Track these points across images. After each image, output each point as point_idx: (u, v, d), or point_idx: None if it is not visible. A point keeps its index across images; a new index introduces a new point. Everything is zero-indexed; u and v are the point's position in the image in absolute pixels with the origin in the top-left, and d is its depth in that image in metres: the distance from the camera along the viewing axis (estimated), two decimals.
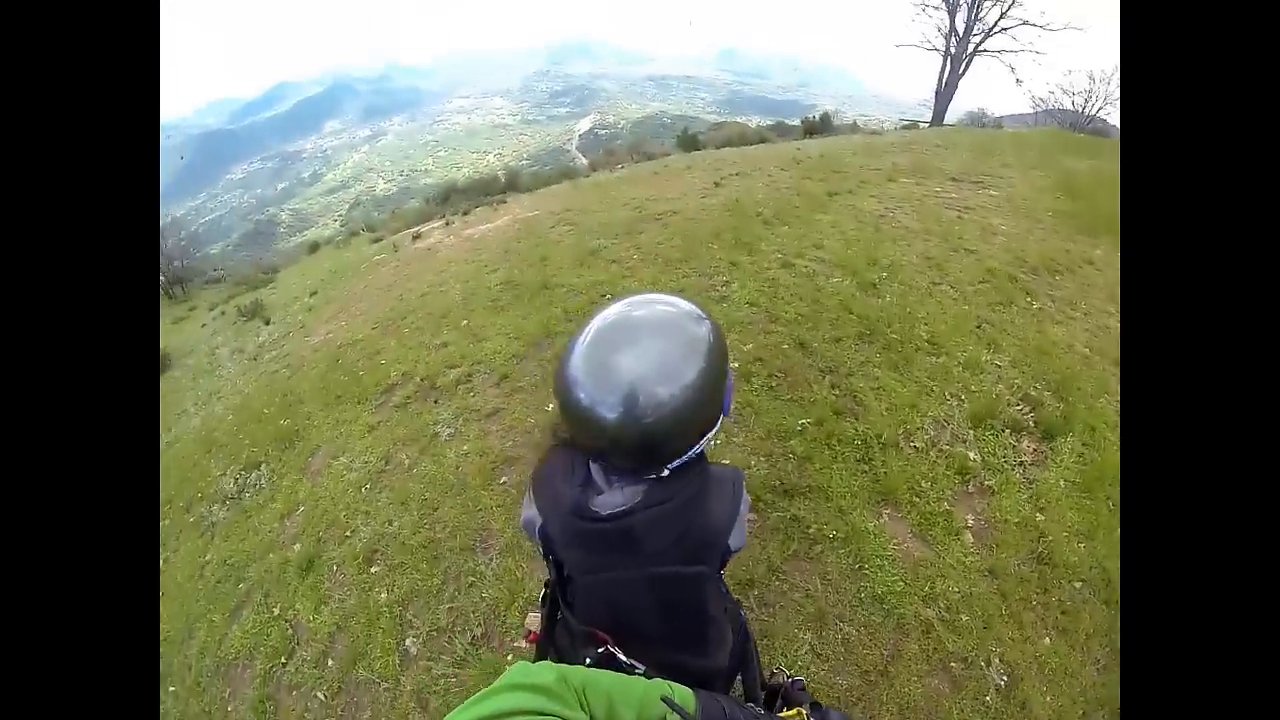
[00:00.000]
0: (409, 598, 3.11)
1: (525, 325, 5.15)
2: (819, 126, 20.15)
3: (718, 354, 0.89)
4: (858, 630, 2.59)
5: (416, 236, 12.56)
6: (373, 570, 3.35)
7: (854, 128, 22.15)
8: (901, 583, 2.72)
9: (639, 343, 0.85)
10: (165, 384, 10.07)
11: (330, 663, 3.06)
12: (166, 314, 23.38)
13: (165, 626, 3.95)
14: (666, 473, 0.93)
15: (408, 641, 2.95)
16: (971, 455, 3.36)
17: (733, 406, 1.03)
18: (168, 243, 27.81)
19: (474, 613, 2.93)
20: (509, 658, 2.72)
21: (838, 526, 2.97)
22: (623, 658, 0.94)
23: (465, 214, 13.69)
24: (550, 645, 1.18)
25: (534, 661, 1.24)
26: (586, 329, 0.89)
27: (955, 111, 27.29)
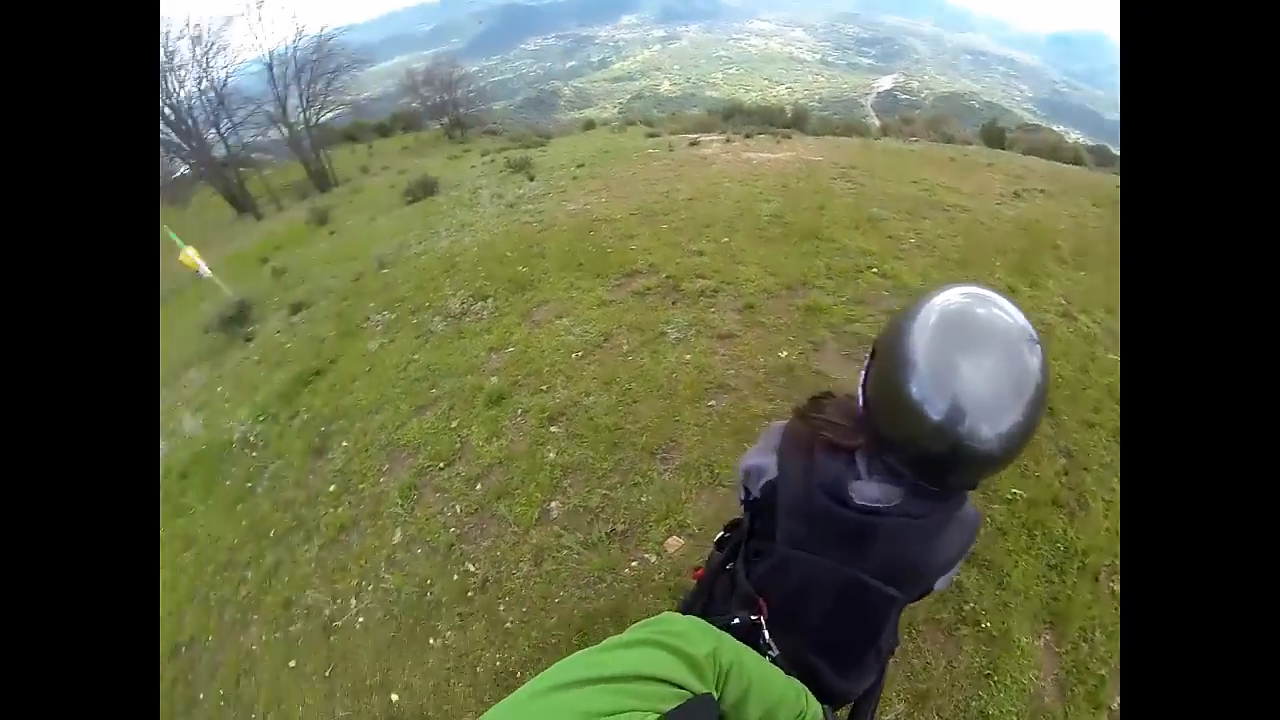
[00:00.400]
0: (574, 468, 3.54)
1: (785, 265, 5.29)
2: None
3: (1044, 397, 0.88)
4: None
5: (694, 143, 13.42)
6: (552, 429, 3.85)
7: None
8: (1014, 718, 2.54)
9: (987, 358, 0.85)
10: (428, 206, 12.09)
11: (479, 487, 3.65)
12: (443, 150, 27.99)
13: (360, 395, 4.97)
14: (933, 490, 0.96)
15: (553, 504, 3.38)
16: None
17: None
18: (458, 92, 33.77)
19: (625, 509, 3.24)
20: (633, 564, 2.99)
21: (994, 620, 2.74)
22: (765, 635, 1.03)
23: (747, 137, 14.32)
24: (711, 587, 1.31)
25: (686, 598, 1.38)
26: (928, 316, 0.90)
27: None
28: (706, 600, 1.31)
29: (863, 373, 1.02)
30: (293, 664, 3.26)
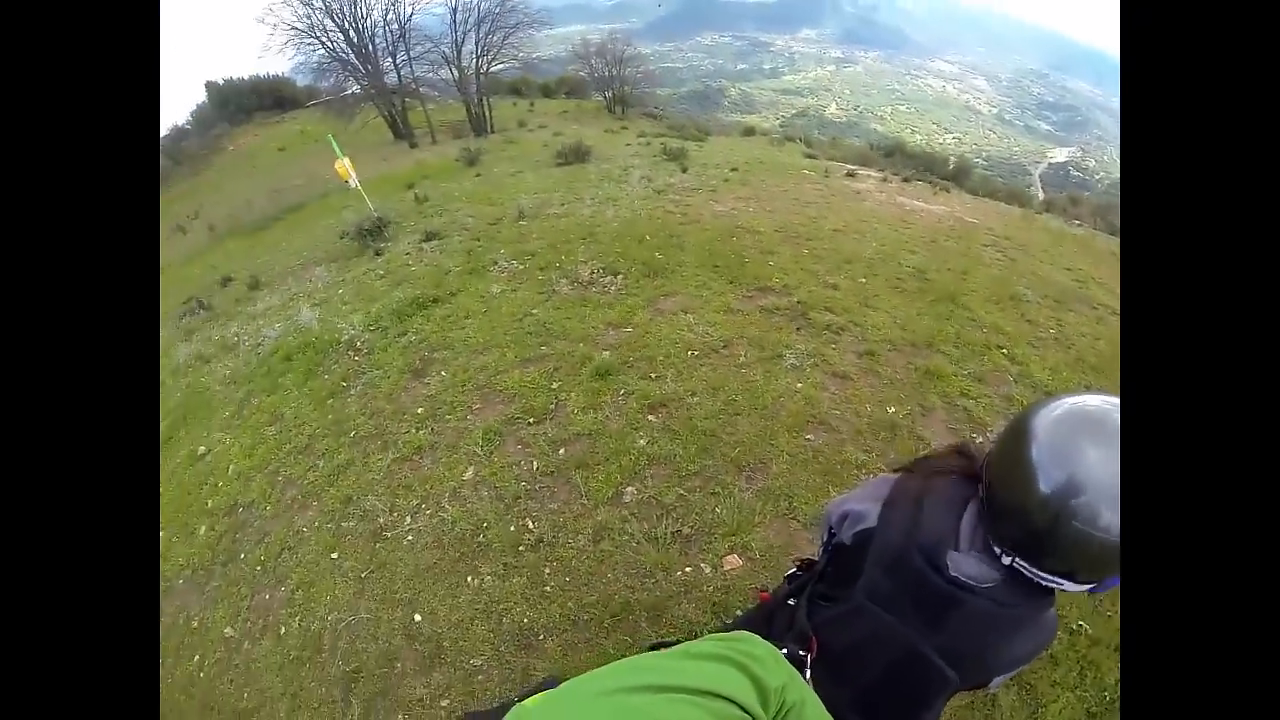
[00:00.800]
0: (660, 460, 3.55)
1: (916, 321, 5.12)
2: None
3: None
4: None
5: (850, 174, 13.27)
6: (650, 418, 3.88)
7: None
8: None
9: (1109, 450, 0.85)
10: (575, 171, 12.43)
11: (562, 451, 3.72)
12: (602, 123, 28.76)
13: (471, 329, 5.19)
14: (1030, 577, 0.95)
15: (629, 489, 3.41)
16: None
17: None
18: (626, 70, 34.63)
19: (696, 514, 3.23)
20: (687, 569, 2.97)
21: None
22: (808, 674, 1.03)
23: (905, 180, 14.05)
24: (767, 615, 1.33)
25: (743, 616, 1.39)
26: (1064, 403, 0.92)
27: None
28: (767, 627, 1.29)
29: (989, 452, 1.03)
30: (335, 555, 3.46)
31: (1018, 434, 0.92)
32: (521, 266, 6.55)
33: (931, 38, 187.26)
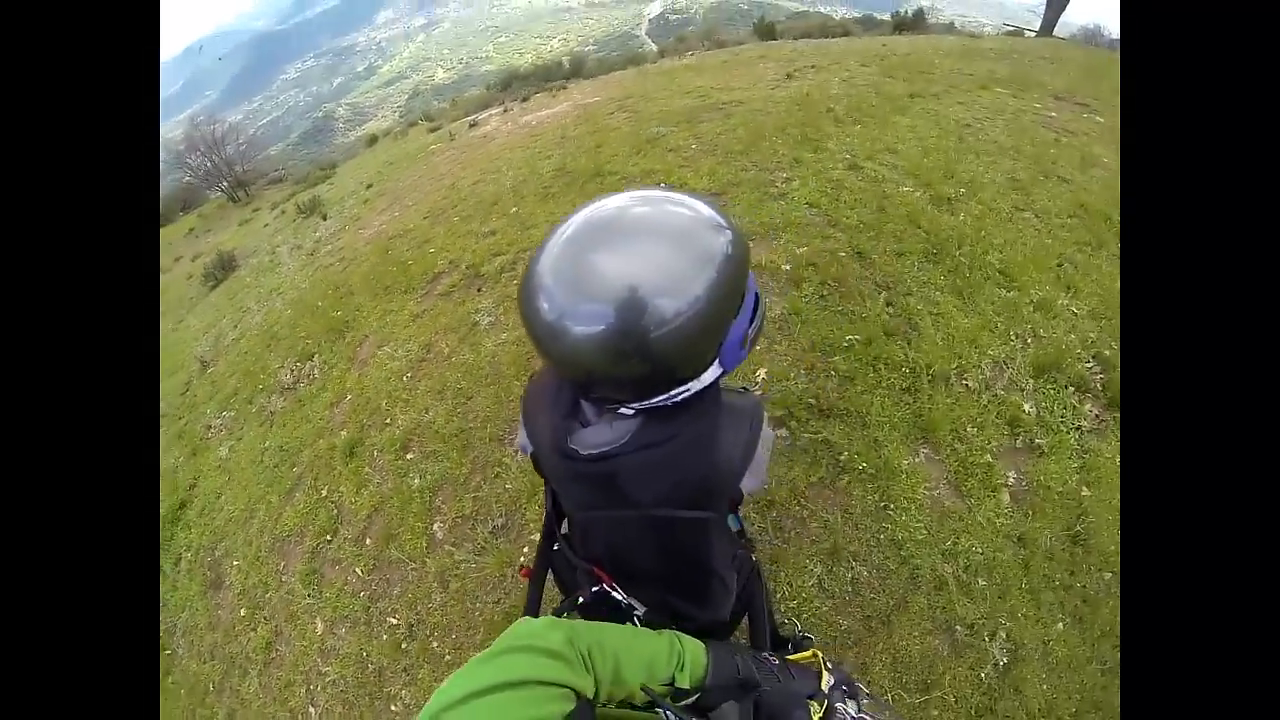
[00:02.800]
0: (439, 484, 3.57)
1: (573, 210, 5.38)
2: (910, 23, 19.99)
3: (736, 270, 0.79)
4: (869, 573, 2.68)
5: (473, 124, 13.21)
6: (408, 457, 3.83)
7: (950, 28, 21.52)
8: (925, 531, 2.77)
9: (634, 244, 0.75)
10: (232, 284, 11.31)
11: (368, 541, 3.62)
12: (232, 217, 25.89)
13: (230, 507, 4.76)
14: (662, 404, 0.87)
15: (435, 526, 3.42)
16: (1027, 407, 3.23)
17: (754, 345, 0.94)
18: (227, 149, 30.72)
19: (496, 503, 3.33)
20: (524, 550, 3.10)
21: (870, 459, 3.00)
22: (619, 596, 1.00)
23: (524, 100, 14.23)
24: (543, 578, 1.24)
25: (528, 595, 1.32)
26: (565, 223, 0.80)
27: (1067, 25, 24.85)
28: (560, 586, 1.28)
29: None
30: None
31: (522, 302, 0.80)
32: (233, 413, 5.96)
33: None
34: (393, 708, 3.01)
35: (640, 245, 0.75)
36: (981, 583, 2.65)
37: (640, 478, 0.89)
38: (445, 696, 0.59)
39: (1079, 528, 2.82)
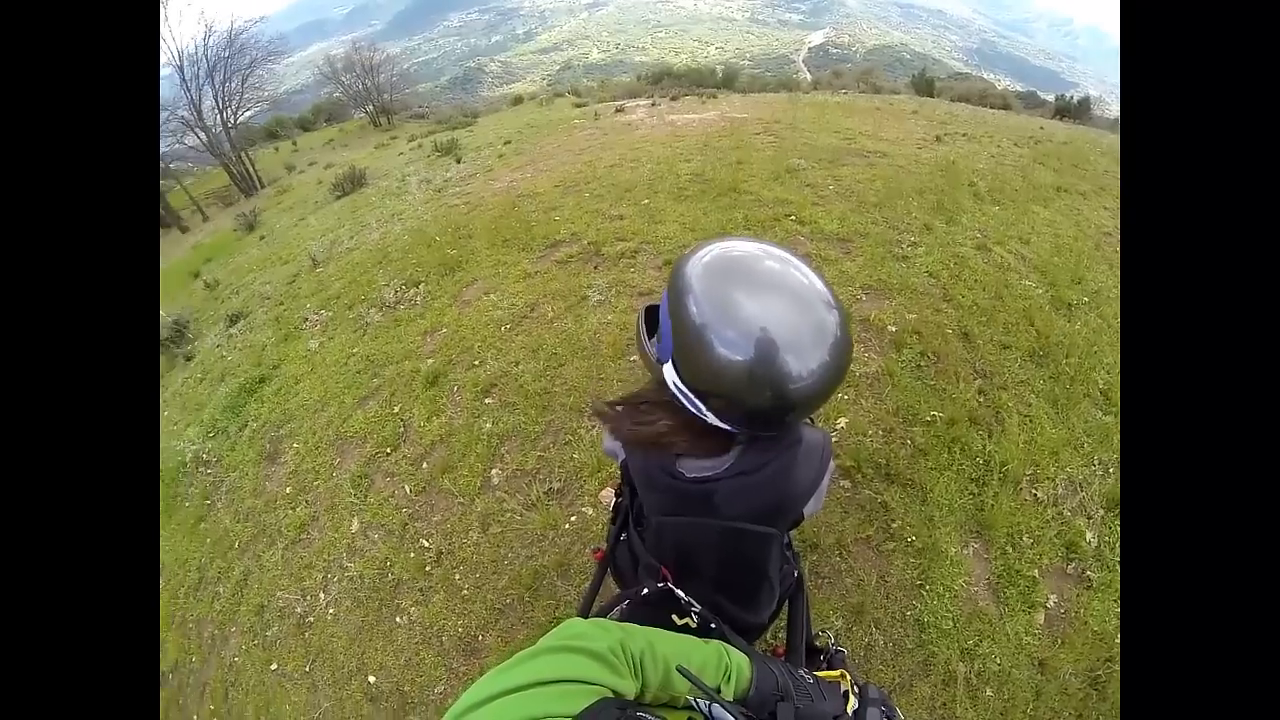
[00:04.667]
0: (509, 434, 3.74)
1: (703, 220, 5.49)
2: (1074, 110, 19.04)
3: (847, 350, 0.91)
4: (886, 643, 2.69)
5: (619, 110, 13.58)
6: (486, 401, 4.04)
7: (1114, 126, 20.29)
8: (951, 623, 2.76)
9: (780, 304, 0.86)
10: (356, 199, 11.97)
11: (425, 465, 3.84)
12: (370, 139, 27.42)
13: (305, 396, 5.10)
14: (769, 436, 1.00)
15: (493, 471, 3.59)
16: (1089, 536, 3.13)
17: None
18: (380, 76, 32.95)
19: (559, 467, 3.47)
20: (572, 519, 3.22)
21: (920, 535, 3.00)
22: (680, 595, 1.08)
23: (673, 99, 14.49)
24: (612, 563, 1.41)
25: (593, 579, 1.49)
26: (719, 270, 0.89)
27: None
28: (619, 574, 1.42)
29: (655, 348, 1.02)
30: (274, 667, 3.43)
31: (695, 331, 0.87)
32: (330, 313, 6.39)
33: None
34: (398, 619, 3.20)
35: (788, 310, 0.87)
36: (989, 693, 2.61)
37: (730, 498, 1.02)
38: (487, 688, 0.61)
39: (1101, 672, 2.74)
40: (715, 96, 14.85)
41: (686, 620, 1.08)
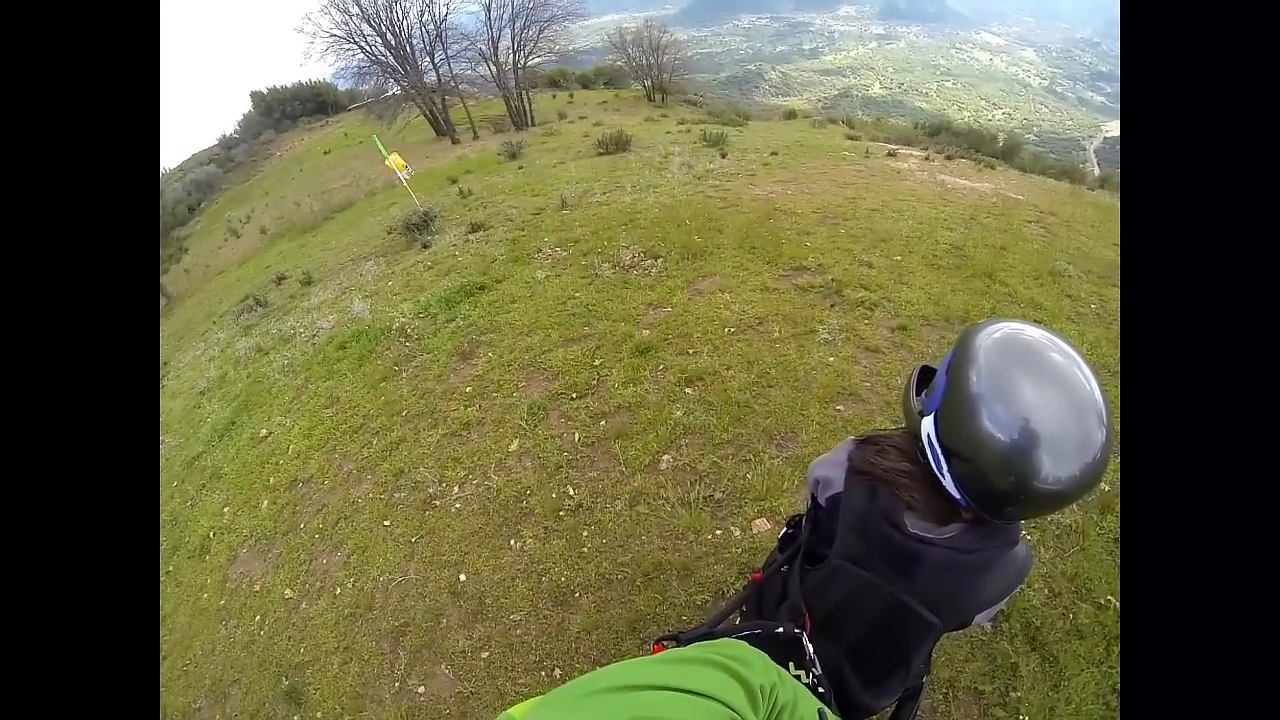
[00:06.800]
0: (694, 429, 3.78)
1: (950, 297, 5.17)
2: None
3: (1099, 473, 0.88)
4: None
5: (891, 154, 13.14)
6: (687, 391, 4.11)
7: None
8: None
9: (1056, 402, 0.86)
10: (616, 160, 12.67)
11: (602, 424, 3.99)
12: (641, 111, 29.01)
13: (515, 317, 5.52)
14: (995, 522, 1.00)
15: (665, 458, 3.65)
16: None
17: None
18: (664, 56, 34.91)
19: (729, 480, 3.44)
20: (717, 532, 3.17)
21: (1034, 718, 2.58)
22: (809, 647, 1.10)
23: (948, 158, 13.78)
24: (757, 591, 1.41)
25: (736, 596, 1.45)
26: (1008, 348, 0.91)
27: None
28: (758, 603, 1.43)
29: (921, 402, 1.03)
30: (387, 523, 3.78)
31: (963, 400, 0.91)
32: (565, 253, 6.84)
33: (975, 9, 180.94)
34: (512, 543, 3.38)
35: (1074, 416, 0.86)
36: None
37: (933, 569, 1.03)
38: (633, 676, 0.61)
39: None
40: (993, 167, 13.97)
41: (800, 674, 1.08)
